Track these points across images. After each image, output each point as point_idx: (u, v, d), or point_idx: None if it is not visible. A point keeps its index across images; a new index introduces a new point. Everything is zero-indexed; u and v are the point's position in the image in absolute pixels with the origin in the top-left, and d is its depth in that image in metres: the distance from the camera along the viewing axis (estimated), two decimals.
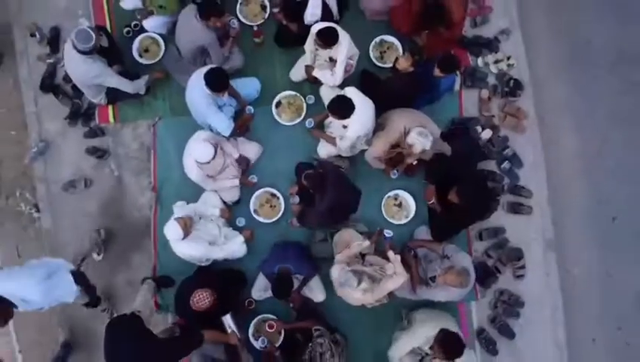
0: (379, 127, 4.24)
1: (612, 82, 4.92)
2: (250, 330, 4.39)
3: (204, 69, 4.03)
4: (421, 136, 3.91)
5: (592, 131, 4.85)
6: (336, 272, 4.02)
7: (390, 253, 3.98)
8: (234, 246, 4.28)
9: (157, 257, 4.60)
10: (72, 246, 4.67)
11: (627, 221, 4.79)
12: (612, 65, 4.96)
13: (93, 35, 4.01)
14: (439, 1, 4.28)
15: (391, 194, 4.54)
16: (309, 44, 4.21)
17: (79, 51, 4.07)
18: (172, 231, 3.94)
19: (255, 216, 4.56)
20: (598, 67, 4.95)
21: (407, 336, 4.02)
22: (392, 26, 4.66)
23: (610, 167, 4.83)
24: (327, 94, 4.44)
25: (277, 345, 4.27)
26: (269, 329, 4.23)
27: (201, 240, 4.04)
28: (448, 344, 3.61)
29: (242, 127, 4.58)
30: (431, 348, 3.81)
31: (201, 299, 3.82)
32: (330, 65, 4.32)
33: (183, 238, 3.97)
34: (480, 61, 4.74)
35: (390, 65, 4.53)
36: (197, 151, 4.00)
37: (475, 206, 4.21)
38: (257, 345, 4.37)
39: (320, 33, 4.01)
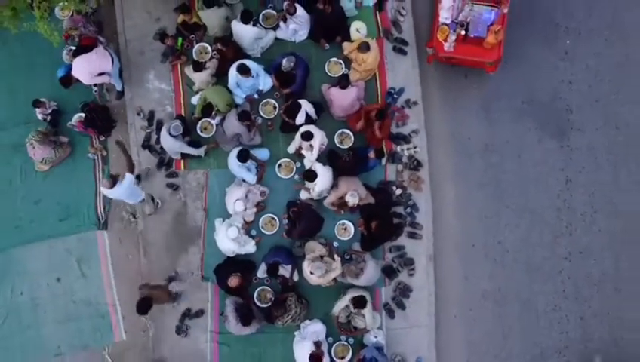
0: (334, 186, 7.60)
1: (479, 164, 8.26)
2: (255, 294, 7.74)
3: (236, 150, 7.41)
4: (352, 196, 7.28)
5: (463, 194, 8.18)
6: (305, 265, 7.38)
7: (335, 256, 7.35)
8: (249, 247, 7.66)
9: (204, 249, 7.96)
10: (155, 240, 8.06)
11: (481, 246, 8.12)
12: (481, 153, 8.30)
13: (181, 128, 7.41)
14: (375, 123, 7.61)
15: (340, 222, 7.86)
16: (297, 139, 7.58)
17: (171, 135, 7.48)
18: (231, 231, 7.27)
19: (262, 229, 7.91)
20: (473, 155, 8.28)
21: (341, 300, 7.34)
22: (349, 124, 7.99)
23: (473, 214, 8.15)
24: (308, 163, 7.80)
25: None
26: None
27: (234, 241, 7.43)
28: (357, 300, 6.97)
29: (260, 178, 7.94)
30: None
31: (233, 281, 7.21)
32: (310, 149, 7.67)
33: (233, 238, 7.31)
34: (399, 148, 8.08)
35: (347, 147, 7.92)
36: (235, 202, 7.39)
37: (386, 233, 7.59)
38: (258, 303, 7.72)
39: (302, 134, 7.40)
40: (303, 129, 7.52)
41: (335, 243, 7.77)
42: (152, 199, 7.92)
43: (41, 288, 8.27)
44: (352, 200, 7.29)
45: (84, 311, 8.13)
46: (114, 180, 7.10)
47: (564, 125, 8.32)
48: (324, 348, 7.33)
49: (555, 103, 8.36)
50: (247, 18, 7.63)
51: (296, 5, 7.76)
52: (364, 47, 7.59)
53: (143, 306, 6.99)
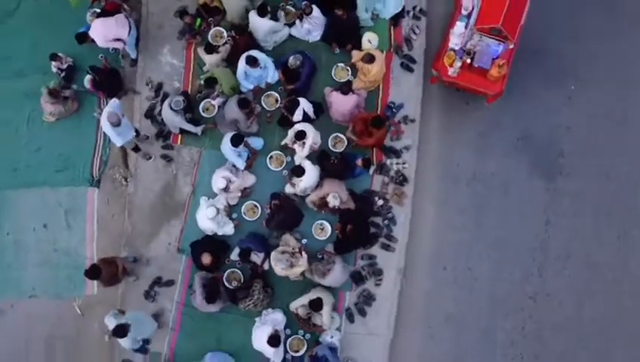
0: (318, 185, 7.83)
1: (464, 190, 8.42)
2: (225, 275, 7.99)
3: (230, 134, 7.67)
4: (333, 198, 7.50)
5: (443, 216, 8.34)
6: (272, 255, 7.60)
7: (303, 253, 7.58)
8: (227, 229, 7.92)
9: (185, 223, 8.23)
10: (141, 205, 8.37)
11: (451, 269, 8.28)
12: (468, 181, 8.46)
13: (182, 104, 7.70)
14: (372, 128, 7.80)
15: (319, 222, 8.07)
16: (290, 135, 7.82)
17: (172, 109, 7.77)
18: (209, 212, 7.54)
19: (244, 215, 8.16)
20: (459, 181, 8.44)
21: (302, 298, 7.57)
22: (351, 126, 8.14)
23: (449, 237, 8.31)
24: (298, 159, 8.04)
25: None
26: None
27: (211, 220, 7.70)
28: (313, 302, 7.19)
29: (250, 165, 8.19)
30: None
31: (206, 258, 7.48)
32: (302, 146, 7.89)
33: (211, 217, 7.58)
34: (389, 161, 8.27)
35: (339, 150, 8.14)
36: (218, 180, 7.66)
37: (360, 239, 7.80)
38: (227, 284, 7.97)
39: (296, 133, 7.64)
40: (297, 127, 7.76)
41: (304, 241, 7.98)
42: (137, 133, 8.13)
43: (27, 231, 8.64)
44: (332, 201, 7.50)
45: (62, 260, 8.48)
46: (118, 118, 7.37)
47: (555, 168, 8.44)
48: (281, 337, 7.56)
49: (549, 145, 8.48)
50: (262, 12, 7.89)
51: (313, 6, 7.99)
52: (367, 59, 7.80)
53: (91, 272, 7.36)
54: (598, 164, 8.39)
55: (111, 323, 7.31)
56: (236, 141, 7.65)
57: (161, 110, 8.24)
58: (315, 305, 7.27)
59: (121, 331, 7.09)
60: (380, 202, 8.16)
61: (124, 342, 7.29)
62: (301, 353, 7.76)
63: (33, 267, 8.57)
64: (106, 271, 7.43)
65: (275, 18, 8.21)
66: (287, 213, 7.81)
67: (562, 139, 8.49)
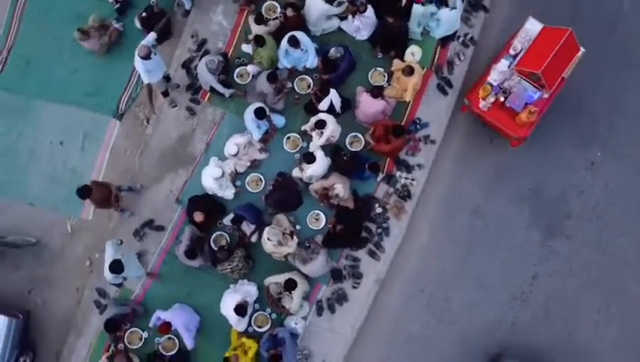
0: (324, 176, 7.97)
1: (462, 222, 8.47)
2: (213, 236, 8.19)
3: (257, 105, 7.87)
4: (342, 188, 7.63)
5: (435, 241, 8.41)
6: (266, 230, 7.78)
7: (294, 237, 7.74)
8: (228, 193, 8.11)
9: (190, 177, 8.45)
10: (155, 148, 8.62)
11: (428, 294, 8.34)
12: (469, 214, 8.50)
13: (216, 63, 7.90)
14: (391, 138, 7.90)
15: (315, 211, 8.21)
16: (311, 122, 7.97)
17: (207, 67, 7.99)
18: (215, 171, 7.76)
19: (247, 185, 8.34)
20: (461, 212, 8.50)
21: (280, 276, 7.72)
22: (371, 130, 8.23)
23: (435, 263, 8.38)
24: (312, 147, 8.19)
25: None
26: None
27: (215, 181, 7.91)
28: (288, 282, 7.36)
29: (267, 139, 8.37)
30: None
31: (198, 216, 7.69)
32: (319, 135, 8.04)
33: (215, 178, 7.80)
34: (398, 173, 8.36)
35: (354, 150, 8.27)
36: (231, 145, 7.86)
37: (349, 240, 7.94)
38: (213, 245, 8.17)
39: (316, 122, 7.79)
40: (320, 116, 7.90)
41: (298, 227, 8.14)
42: (169, 78, 8.40)
43: (43, 143, 8.99)
44: (338, 190, 7.64)
45: (68, 178, 8.78)
46: (149, 51, 7.58)
47: (556, 227, 8.43)
48: (249, 310, 7.75)
49: (558, 203, 8.48)
50: None
51: (369, 6, 8.11)
52: (407, 71, 7.89)
53: (82, 191, 7.59)
54: (599, 236, 8.37)
55: (110, 249, 7.60)
56: (260, 113, 7.84)
57: (197, 65, 8.46)
58: (289, 285, 7.42)
59: (117, 267, 7.36)
60: (379, 210, 8.27)
61: (109, 274, 7.54)
62: (264, 329, 7.93)
63: (40, 177, 8.90)
64: (98, 193, 7.69)
65: (331, 3, 8.34)
66: (287, 193, 7.97)
67: (572, 201, 8.48)
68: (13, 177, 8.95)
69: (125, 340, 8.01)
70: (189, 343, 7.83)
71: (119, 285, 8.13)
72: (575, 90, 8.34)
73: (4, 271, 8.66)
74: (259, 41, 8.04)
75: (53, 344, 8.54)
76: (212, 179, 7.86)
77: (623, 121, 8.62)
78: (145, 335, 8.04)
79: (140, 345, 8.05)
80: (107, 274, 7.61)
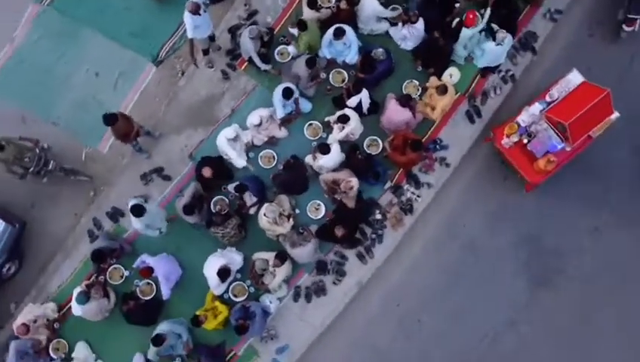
0: (336, 170, 8.09)
1: (454, 251, 8.52)
2: (214, 199, 8.38)
3: (286, 84, 8.03)
4: (353, 182, 7.78)
5: (423, 261, 8.48)
6: (265, 205, 7.94)
7: (291, 219, 7.89)
8: (240, 161, 8.29)
9: (208, 137, 8.64)
10: (182, 101, 8.85)
11: (403, 311, 8.41)
12: (463, 245, 8.53)
13: (257, 32, 8.07)
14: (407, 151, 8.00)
15: (317, 201, 8.36)
16: (336, 115, 8.09)
17: (249, 37, 8.16)
18: (229, 131, 7.95)
19: (259, 160, 8.51)
20: (456, 241, 8.54)
21: (269, 253, 7.86)
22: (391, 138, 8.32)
23: (418, 283, 8.44)
24: (330, 139, 8.31)
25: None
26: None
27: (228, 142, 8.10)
28: (280, 254, 7.54)
29: (289, 120, 8.53)
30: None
31: (207, 172, 7.88)
32: (340, 129, 8.16)
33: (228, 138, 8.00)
34: (406, 186, 8.45)
35: (370, 153, 8.37)
36: (255, 116, 8.05)
37: (341, 238, 8.04)
38: (212, 207, 8.37)
39: (340, 116, 7.92)
40: (346, 111, 8.03)
41: (297, 211, 8.29)
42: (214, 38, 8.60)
43: (80, 70, 9.23)
44: (349, 185, 7.79)
45: (94, 109, 8.93)
46: (197, 7, 7.77)
47: (545, 280, 8.43)
48: (230, 277, 7.93)
49: (553, 257, 8.48)
50: None
51: (420, 19, 8.19)
52: (441, 90, 7.96)
53: (108, 118, 7.80)
54: (586, 302, 8.32)
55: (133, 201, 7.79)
56: (287, 93, 7.99)
57: (242, 32, 8.64)
58: (280, 257, 7.61)
59: (139, 210, 7.57)
60: (379, 216, 8.37)
61: (135, 222, 7.76)
62: (238, 299, 8.11)
63: (69, 101, 9.14)
64: (122, 124, 7.94)
65: (385, 6, 8.43)
66: (295, 176, 8.13)
67: (568, 260, 8.47)
68: (44, 94, 9.18)
69: (107, 274, 8.28)
70: (165, 293, 8.05)
71: (116, 220, 8.45)
72: (600, 151, 8.32)
73: (12, 182, 8.88)
74: (301, 25, 8.18)
75: (40, 259, 8.85)
76: (225, 139, 8.06)
77: (636, 195, 8.56)
78: (126, 274, 8.30)
79: (120, 282, 8.31)
80: (135, 224, 7.81)
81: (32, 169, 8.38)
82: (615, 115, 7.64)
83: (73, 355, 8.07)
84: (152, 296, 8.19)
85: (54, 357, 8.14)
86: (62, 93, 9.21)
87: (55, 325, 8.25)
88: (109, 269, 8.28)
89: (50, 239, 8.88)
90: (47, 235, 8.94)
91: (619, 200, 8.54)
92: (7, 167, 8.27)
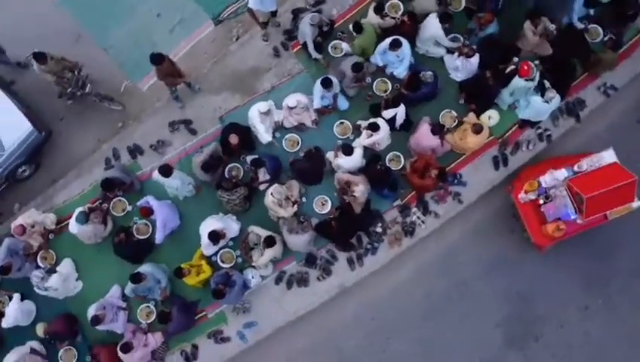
0: (352, 173, 8.21)
1: (442, 287, 8.57)
2: (230, 165, 8.56)
3: (328, 76, 8.19)
4: (362, 192, 7.89)
5: (407, 288, 8.56)
6: (274, 185, 8.10)
7: (295, 205, 8.05)
8: (266, 136, 8.43)
9: (243, 105, 8.81)
10: (228, 65, 9.06)
11: (375, 327, 8.52)
12: (455, 283, 8.58)
13: (317, 21, 8.22)
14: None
15: (325, 197, 8.49)
16: (367, 122, 8.21)
17: (309, 23, 8.31)
18: (262, 105, 8.17)
19: (283, 141, 8.67)
20: (447, 276, 8.59)
21: (265, 231, 8.02)
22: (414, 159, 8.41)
23: (399, 307, 8.53)
24: (356, 143, 8.43)
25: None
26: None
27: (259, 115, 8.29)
28: (268, 238, 7.69)
29: (323, 113, 8.67)
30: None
31: (234, 139, 8.07)
32: (368, 136, 8.28)
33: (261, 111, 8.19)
34: (415, 209, 8.53)
35: (391, 167, 8.47)
36: (292, 99, 8.22)
37: (336, 238, 8.19)
38: (226, 173, 8.57)
39: (371, 123, 8.03)
40: (378, 120, 8.14)
41: (304, 199, 8.46)
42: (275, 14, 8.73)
43: (144, 6, 9.61)
44: (361, 190, 7.90)
45: (146, 46, 9.23)
46: None
47: (521, 341, 8.45)
48: (222, 242, 8.13)
49: (536, 322, 8.49)
50: (443, 19, 8.25)
51: (477, 55, 8.24)
52: (477, 128, 8.01)
53: (156, 57, 7.89)
54: None
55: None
56: (327, 84, 8.12)
57: (304, 17, 8.80)
58: (268, 242, 7.77)
59: (166, 170, 7.81)
60: (379, 229, 8.47)
61: (161, 178, 7.96)
62: (224, 266, 8.30)
63: (125, 33, 9.49)
64: (168, 67, 8.13)
65: (447, 33, 8.51)
66: (312, 167, 8.28)
67: (549, 329, 8.46)
68: (106, 19, 9.55)
69: (111, 204, 8.56)
70: (158, 237, 8.25)
71: (134, 156, 8.76)
72: (613, 236, 8.29)
73: (50, 92, 9.08)
74: (356, 27, 8.32)
75: (54, 171, 9.18)
76: (257, 111, 8.24)
77: (635, 289, 8.49)
78: (129, 208, 8.56)
79: (121, 215, 8.59)
80: (165, 181, 7.98)
81: (69, 90, 8.70)
82: (637, 203, 7.60)
83: (58, 268, 8.36)
84: (146, 237, 8.44)
85: (41, 265, 8.45)
86: (122, 23, 9.55)
87: (50, 235, 8.59)
88: (114, 200, 8.56)
89: (69, 156, 9.21)
90: (66, 151, 9.27)
91: (619, 288, 8.50)
92: (56, 80, 8.54)
